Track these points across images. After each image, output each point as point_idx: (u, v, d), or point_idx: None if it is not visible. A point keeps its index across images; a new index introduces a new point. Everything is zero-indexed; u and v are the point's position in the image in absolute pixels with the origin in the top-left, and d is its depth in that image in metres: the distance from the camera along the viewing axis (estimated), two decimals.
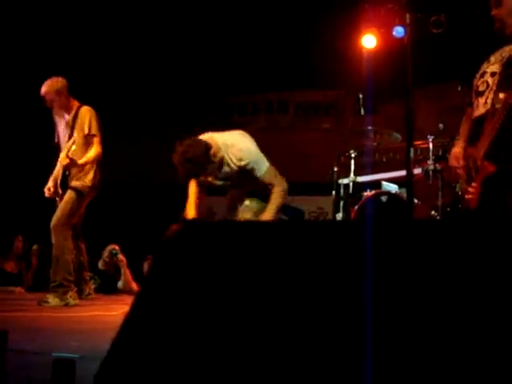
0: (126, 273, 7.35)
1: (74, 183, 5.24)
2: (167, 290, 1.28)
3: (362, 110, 5.87)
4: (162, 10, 7.64)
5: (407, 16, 3.60)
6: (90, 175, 5.31)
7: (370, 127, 5.75)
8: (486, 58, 3.24)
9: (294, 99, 9.82)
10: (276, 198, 4.26)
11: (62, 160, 5.10)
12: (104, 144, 5.34)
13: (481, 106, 3.12)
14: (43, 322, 3.95)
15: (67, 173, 5.25)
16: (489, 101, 3.06)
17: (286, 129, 9.74)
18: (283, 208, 4.68)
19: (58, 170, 5.32)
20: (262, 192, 4.36)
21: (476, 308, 1.14)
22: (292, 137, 9.54)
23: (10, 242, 8.14)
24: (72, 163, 5.10)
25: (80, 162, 5.16)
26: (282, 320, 1.17)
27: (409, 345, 1.12)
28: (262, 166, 4.28)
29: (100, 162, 5.40)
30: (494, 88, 3.05)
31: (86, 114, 5.31)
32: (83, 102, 5.44)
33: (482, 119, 3.09)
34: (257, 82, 9.06)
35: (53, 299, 4.98)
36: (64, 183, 5.26)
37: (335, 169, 5.86)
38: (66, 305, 4.97)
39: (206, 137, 4.22)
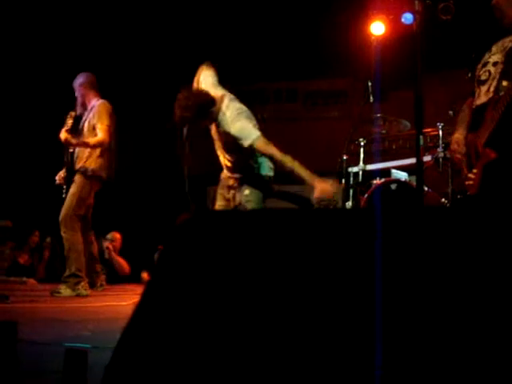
0: (114, 258, 7.47)
1: (79, 176, 5.32)
2: (177, 279, 1.28)
3: (371, 98, 5.85)
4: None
5: (416, 2, 3.57)
6: (98, 162, 5.38)
7: (379, 115, 5.72)
8: (488, 49, 3.24)
9: (303, 88, 9.79)
10: (292, 163, 4.22)
11: (61, 135, 5.24)
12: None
13: (483, 95, 3.12)
14: (55, 312, 3.97)
15: (75, 157, 5.36)
16: (492, 88, 3.06)
17: (294, 117, 9.72)
18: (292, 196, 4.73)
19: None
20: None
21: (483, 296, 1.13)
22: (301, 125, 9.52)
23: (26, 235, 8.21)
24: (69, 142, 5.26)
25: (74, 141, 5.29)
26: (295, 308, 1.17)
27: (420, 335, 1.12)
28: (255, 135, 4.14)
29: (111, 155, 5.50)
30: (497, 76, 3.05)
31: (101, 106, 5.47)
32: None
33: (483, 107, 3.09)
34: (265, 71, 9.04)
35: (65, 290, 5.02)
36: (71, 170, 5.37)
37: (344, 157, 5.85)
38: (78, 295, 5.00)
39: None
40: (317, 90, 9.74)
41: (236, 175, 4.40)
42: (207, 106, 4.13)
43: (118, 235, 7.97)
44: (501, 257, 1.17)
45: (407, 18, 6.10)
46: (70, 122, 5.29)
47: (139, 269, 7.63)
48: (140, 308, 1.28)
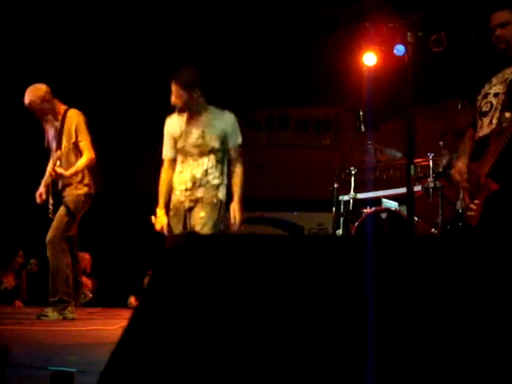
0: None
1: (68, 195, 5.08)
2: (166, 303, 1.28)
3: (363, 127, 5.90)
4: (163, 22, 7.69)
5: (408, 34, 3.62)
6: (84, 183, 5.14)
7: (370, 144, 5.76)
8: (487, 80, 3.27)
9: (295, 115, 9.86)
10: (240, 185, 4.21)
11: (50, 175, 5.00)
12: (101, 155, 5.20)
13: (485, 126, 3.13)
14: (41, 336, 3.93)
15: (59, 183, 5.09)
16: (494, 120, 3.07)
17: (286, 145, 9.78)
18: (282, 223, 4.67)
19: (48, 177, 5.13)
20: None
21: (474, 324, 1.14)
22: (292, 153, 9.58)
23: (9, 256, 8.13)
24: (61, 176, 4.97)
25: (67, 173, 4.99)
26: (283, 335, 1.17)
27: (409, 359, 1.12)
28: (238, 139, 4.24)
29: (95, 169, 5.23)
30: (499, 107, 3.07)
31: (73, 118, 5.11)
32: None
33: (486, 139, 3.10)
34: (258, 98, 9.11)
35: (52, 313, 4.95)
36: (56, 194, 5.10)
37: (335, 185, 5.87)
38: (64, 319, 4.94)
39: None
40: (309, 118, 9.82)
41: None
42: None
43: (87, 256, 7.88)
44: (493, 288, 1.18)
45: (399, 49, 6.19)
46: (57, 160, 4.97)
47: (127, 294, 7.59)
48: (128, 333, 1.27)
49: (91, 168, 5.17)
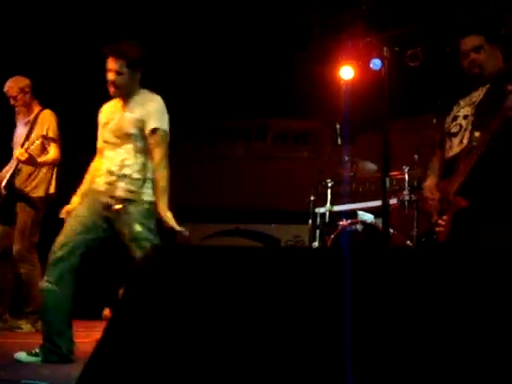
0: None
1: (25, 191, 4.97)
2: (139, 315, 1.27)
3: (339, 140, 5.93)
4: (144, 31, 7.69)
5: (385, 49, 3.67)
6: (44, 185, 5.06)
7: (346, 157, 5.80)
8: (455, 102, 3.34)
9: (273, 127, 9.89)
10: (163, 181, 3.48)
11: (20, 155, 4.74)
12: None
13: (455, 146, 3.20)
14: (14, 348, 3.87)
15: (19, 180, 4.97)
16: (464, 140, 3.14)
17: (263, 157, 9.79)
18: (258, 235, 4.49)
19: (10, 167, 5.01)
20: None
21: (447, 333, 1.15)
22: (269, 165, 9.59)
23: None
24: (31, 159, 4.77)
25: (39, 160, 4.86)
26: (256, 347, 1.17)
27: (386, 367, 1.12)
28: (157, 122, 3.53)
29: (58, 172, 5.15)
30: (469, 128, 3.13)
31: (48, 116, 5.10)
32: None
33: (455, 158, 3.16)
34: (236, 109, 9.11)
35: (25, 325, 4.87)
36: (11, 188, 4.97)
37: (312, 198, 5.89)
38: (37, 331, 4.87)
39: None
40: (286, 131, 9.85)
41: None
42: None
43: None
44: (461, 298, 1.20)
45: (376, 63, 6.25)
46: (35, 145, 4.80)
47: (100, 306, 7.50)
48: (101, 345, 1.27)
49: (53, 170, 5.10)
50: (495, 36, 3.28)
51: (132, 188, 3.50)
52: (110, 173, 3.53)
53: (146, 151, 3.54)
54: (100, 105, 3.79)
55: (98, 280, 7.76)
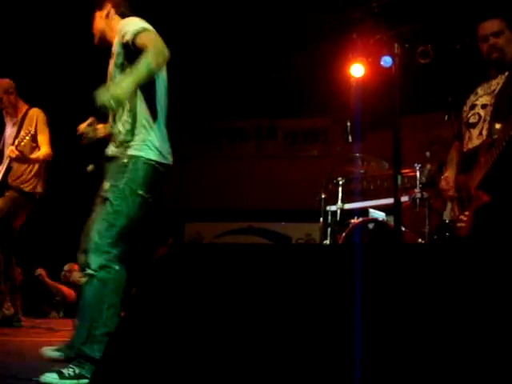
0: (49, 284, 7.38)
1: (15, 184, 4.95)
2: (152, 313, 1.27)
3: (350, 138, 5.91)
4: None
5: (395, 46, 3.64)
6: (36, 182, 5.05)
7: (357, 154, 5.78)
8: (472, 91, 3.28)
9: (283, 127, 9.89)
10: (140, 65, 2.70)
11: (11, 152, 4.72)
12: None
13: (474, 138, 3.13)
14: (27, 347, 3.89)
15: (11, 177, 4.93)
16: (484, 132, 3.07)
17: (274, 155, 9.79)
18: (269, 233, 4.38)
19: (2, 167, 4.94)
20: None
21: (461, 329, 1.14)
22: (280, 163, 9.59)
23: None
24: (22, 157, 4.77)
25: (31, 156, 4.88)
26: (272, 341, 1.16)
27: (396, 362, 1.12)
28: (136, 27, 2.85)
29: (48, 170, 5.13)
30: (488, 119, 3.06)
31: (36, 114, 5.10)
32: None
33: (475, 151, 3.09)
34: (247, 109, 9.12)
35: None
36: (4, 186, 4.94)
37: (323, 196, 5.87)
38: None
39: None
40: (297, 129, 9.84)
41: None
42: None
43: (75, 266, 7.85)
44: (480, 295, 1.19)
45: (386, 61, 6.23)
46: (25, 141, 4.77)
47: None
48: (114, 342, 1.27)
49: (44, 169, 5.09)
50: None
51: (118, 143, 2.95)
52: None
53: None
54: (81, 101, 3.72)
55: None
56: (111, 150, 2.99)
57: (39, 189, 5.08)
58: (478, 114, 3.14)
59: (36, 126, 5.03)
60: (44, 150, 4.96)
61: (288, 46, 8.02)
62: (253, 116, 9.57)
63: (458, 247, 1.35)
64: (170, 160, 2.98)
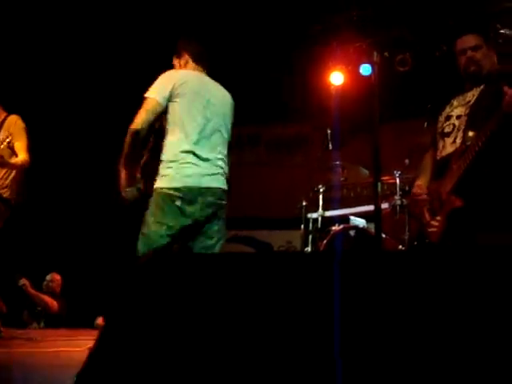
0: (34, 295, 7.36)
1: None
2: (132, 322, 1.26)
3: (330, 145, 5.95)
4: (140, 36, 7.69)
5: (374, 54, 3.68)
6: (13, 185, 4.92)
7: (337, 162, 5.81)
8: (448, 102, 3.34)
9: (265, 134, 9.90)
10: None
11: None
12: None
13: (448, 146, 3.18)
14: (5, 357, 3.85)
15: None
16: (458, 140, 3.12)
17: (255, 163, 9.80)
18: (250, 241, 4.45)
19: None
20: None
21: (439, 336, 1.15)
22: (261, 171, 9.60)
23: None
24: (3, 161, 4.67)
25: (11, 160, 4.75)
26: (251, 349, 1.16)
27: (376, 369, 1.12)
28: (152, 88, 3.40)
29: (25, 177, 5.01)
30: (462, 127, 3.12)
31: (15, 121, 5.00)
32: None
33: (448, 158, 3.15)
34: None
35: None
36: None
37: (304, 203, 5.89)
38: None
39: None
40: (277, 136, 9.86)
41: None
42: None
43: (57, 276, 7.83)
44: (457, 300, 1.20)
45: (365, 69, 6.28)
46: (3, 146, 4.69)
47: (93, 315, 7.47)
48: (94, 353, 1.26)
49: (21, 175, 4.98)
50: (490, 37, 3.30)
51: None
52: None
53: (161, 131, 3.38)
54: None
55: (90, 289, 7.74)
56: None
57: (16, 195, 4.96)
58: (453, 124, 3.21)
59: (12, 133, 4.91)
60: (22, 156, 4.85)
61: (269, 54, 8.05)
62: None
63: (437, 253, 1.36)
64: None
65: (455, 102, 3.29)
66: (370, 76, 3.84)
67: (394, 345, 1.14)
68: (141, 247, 3.26)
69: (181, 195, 3.20)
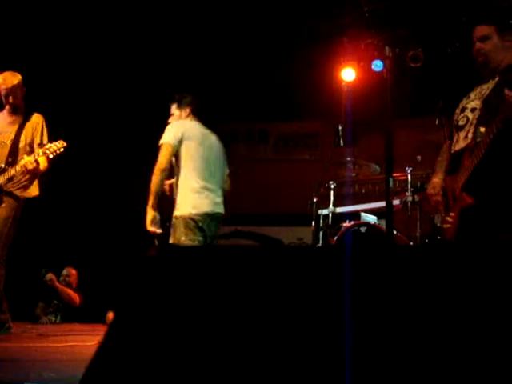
0: (60, 289, 7.44)
1: (15, 191, 4.78)
2: (141, 316, 1.27)
3: (342, 142, 5.94)
4: (147, 38, 7.70)
5: (386, 49, 3.66)
6: (35, 187, 4.90)
7: (349, 158, 5.80)
8: (466, 95, 3.31)
9: (275, 130, 9.89)
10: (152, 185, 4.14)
11: (29, 163, 4.58)
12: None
13: (461, 140, 3.17)
14: (18, 352, 3.87)
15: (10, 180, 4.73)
16: (469, 135, 3.11)
17: (265, 159, 9.79)
18: (262, 238, 4.70)
19: (10, 172, 4.72)
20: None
21: (451, 331, 1.15)
22: (271, 167, 9.59)
23: None
24: (36, 169, 4.65)
25: (41, 167, 4.71)
26: (262, 344, 1.16)
27: (386, 364, 1.12)
28: (165, 135, 4.31)
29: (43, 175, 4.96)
30: (475, 122, 3.10)
31: (40, 121, 4.95)
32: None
33: (461, 153, 3.14)
34: (238, 112, 9.12)
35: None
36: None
37: (315, 199, 5.89)
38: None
39: None
40: (288, 133, 9.84)
41: None
42: None
43: (73, 270, 7.93)
44: (469, 296, 1.19)
45: (377, 65, 6.25)
46: (37, 152, 4.63)
47: (104, 310, 7.50)
48: (103, 347, 1.26)
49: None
50: (507, 26, 3.23)
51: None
52: None
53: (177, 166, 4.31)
54: None
55: (102, 284, 7.78)
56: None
57: (36, 192, 4.96)
58: (467, 117, 3.19)
59: (42, 135, 4.89)
60: (44, 160, 4.72)
61: (279, 50, 8.03)
62: (243, 120, 9.58)
63: (449, 249, 1.35)
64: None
65: (472, 95, 3.26)
66: (381, 72, 3.81)
67: (404, 340, 1.14)
68: None
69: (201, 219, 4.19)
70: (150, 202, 4.08)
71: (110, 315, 7.25)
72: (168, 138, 4.26)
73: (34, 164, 4.61)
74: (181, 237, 4.13)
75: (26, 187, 4.89)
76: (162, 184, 4.18)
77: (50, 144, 4.67)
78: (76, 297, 7.58)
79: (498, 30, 3.18)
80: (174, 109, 4.59)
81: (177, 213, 4.22)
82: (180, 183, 4.28)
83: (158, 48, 7.78)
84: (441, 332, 1.16)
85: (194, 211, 4.18)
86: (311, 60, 7.77)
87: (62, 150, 4.67)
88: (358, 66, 6.95)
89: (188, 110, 4.60)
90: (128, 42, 7.62)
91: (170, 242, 4.12)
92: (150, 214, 4.06)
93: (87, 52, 7.63)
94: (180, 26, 7.64)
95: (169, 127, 4.35)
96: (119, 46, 7.73)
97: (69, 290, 7.58)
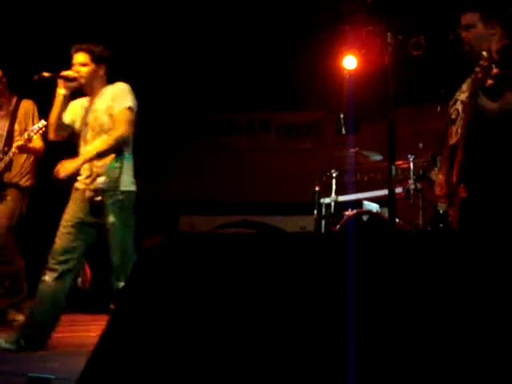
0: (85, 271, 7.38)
1: (15, 181, 4.80)
2: (143, 306, 1.26)
3: (344, 130, 5.91)
4: (148, 30, 7.66)
5: (388, 35, 3.63)
6: (32, 173, 4.90)
7: (351, 147, 5.78)
8: (459, 85, 3.29)
9: (276, 120, 9.85)
10: (101, 142, 3.63)
11: (19, 142, 4.53)
12: None
13: (453, 135, 3.17)
14: None
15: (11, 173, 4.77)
16: (460, 129, 3.09)
17: (267, 149, 9.76)
18: (263, 227, 4.55)
19: (6, 159, 4.71)
20: None
21: (454, 318, 1.14)
22: (273, 157, 9.56)
23: None
24: (24, 147, 4.58)
25: (37, 147, 4.69)
26: (265, 332, 1.15)
27: (389, 351, 1.11)
28: (125, 102, 3.66)
29: (39, 163, 4.96)
30: (463, 116, 3.09)
31: (31, 107, 4.93)
32: None
33: (454, 147, 3.14)
34: (239, 102, 9.09)
35: (20, 316, 4.74)
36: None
37: (317, 188, 5.87)
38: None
39: None
40: (290, 122, 9.81)
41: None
42: None
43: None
44: (469, 283, 1.18)
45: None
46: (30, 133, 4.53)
47: (108, 299, 7.50)
48: (104, 338, 1.25)
49: (36, 162, 4.97)
50: (493, 13, 3.14)
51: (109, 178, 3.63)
52: (90, 168, 3.64)
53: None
54: None
55: (105, 273, 7.78)
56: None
57: (33, 184, 4.96)
58: (457, 110, 3.17)
59: (33, 120, 4.85)
60: (40, 142, 4.73)
61: (280, 39, 8.00)
62: (245, 109, 9.55)
63: (449, 235, 1.34)
64: None
65: (464, 86, 3.22)
66: (383, 59, 3.78)
67: (408, 326, 1.13)
68: None
69: None
70: (88, 159, 3.60)
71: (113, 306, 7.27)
72: (133, 103, 3.70)
73: (25, 138, 4.52)
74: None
75: (30, 175, 4.89)
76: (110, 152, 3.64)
77: (32, 127, 4.59)
78: (88, 271, 7.47)
79: (482, 18, 3.08)
80: (87, 60, 3.79)
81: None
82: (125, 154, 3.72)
83: (157, 36, 7.74)
84: (444, 317, 1.15)
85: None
86: (312, 48, 7.73)
87: (43, 128, 4.50)
88: (359, 53, 6.91)
89: (103, 72, 3.87)
90: (127, 34, 7.59)
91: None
92: (78, 164, 3.61)
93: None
94: (182, 16, 7.61)
95: (126, 88, 3.74)
96: (118, 35, 7.70)
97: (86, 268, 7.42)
